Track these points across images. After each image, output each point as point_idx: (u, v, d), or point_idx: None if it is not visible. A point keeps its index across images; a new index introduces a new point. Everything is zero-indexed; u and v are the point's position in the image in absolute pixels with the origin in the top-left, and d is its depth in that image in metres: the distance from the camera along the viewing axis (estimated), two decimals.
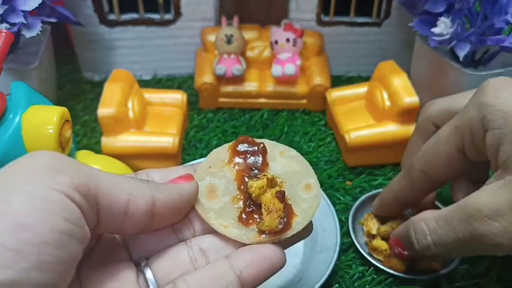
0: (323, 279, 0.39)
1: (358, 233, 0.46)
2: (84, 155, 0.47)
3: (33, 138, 0.38)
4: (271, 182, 0.29)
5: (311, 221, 0.29)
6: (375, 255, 0.43)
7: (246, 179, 0.30)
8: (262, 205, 0.28)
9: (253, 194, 0.28)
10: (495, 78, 0.32)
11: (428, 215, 0.33)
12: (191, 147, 0.55)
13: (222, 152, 0.32)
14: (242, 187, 0.30)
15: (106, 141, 0.49)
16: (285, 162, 0.31)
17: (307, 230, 0.29)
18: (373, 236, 0.44)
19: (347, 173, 0.52)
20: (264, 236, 0.28)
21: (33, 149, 0.38)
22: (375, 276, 0.42)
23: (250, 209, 0.29)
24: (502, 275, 0.42)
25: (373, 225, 0.45)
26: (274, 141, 0.33)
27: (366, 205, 0.47)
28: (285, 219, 0.28)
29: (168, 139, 0.50)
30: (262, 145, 0.31)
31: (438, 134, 0.33)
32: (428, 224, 0.32)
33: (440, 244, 0.31)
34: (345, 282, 0.42)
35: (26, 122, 0.38)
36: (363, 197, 0.47)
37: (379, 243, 0.43)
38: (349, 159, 0.53)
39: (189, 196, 0.28)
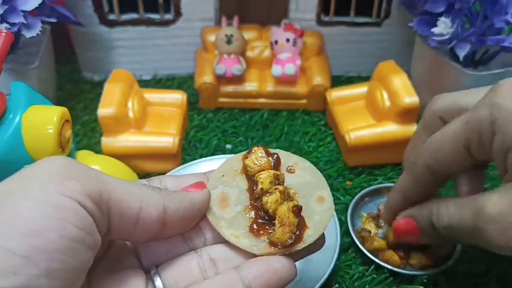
0: (323, 279, 0.39)
1: (356, 227, 0.46)
2: (84, 155, 0.47)
3: (33, 138, 0.38)
4: (284, 194, 0.29)
5: (323, 234, 0.29)
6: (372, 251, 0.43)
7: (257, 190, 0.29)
8: (276, 216, 0.28)
9: (270, 210, 0.28)
10: (511, 78, 0.31)
11: (447, 199, 0.34)
12: (191, 147, 0.55)
13: (235, 161, 0.31)
14: (253, 202, 0.29)
15: (106, 141, 0.49)
16: (299, 173, 0.31)
17: (319, 243, 0.29)
18: (370, 233, 0.44)
19: (347, 173, 0.52)
20: (274, 247, 0.27)
21: (33, 149, 0.39)
22: (375, 276, 0.42)
23: (261, 220, 0.29)
24: (502, 275, 0.42)
25: (371, 228, 0.45)
26: (288, 152, 0.32)
27: (364, 202, 0.48)
28: (297, 233, 0.27)
29: (168, 139, 0.50)
30: (276, 156, 0.31)
31: (445, 129, 0.33)
32: (448, 206, 0.32)
33: (450, 227, 0.32)
34: (345, 282, 0.42)
35: (26, 122, 0.38)
36: (359, 195, 0.48)
37: (380, 242, 0.43)
38: (349, 159, 0.53)
39: (200, 205, 0.28)
